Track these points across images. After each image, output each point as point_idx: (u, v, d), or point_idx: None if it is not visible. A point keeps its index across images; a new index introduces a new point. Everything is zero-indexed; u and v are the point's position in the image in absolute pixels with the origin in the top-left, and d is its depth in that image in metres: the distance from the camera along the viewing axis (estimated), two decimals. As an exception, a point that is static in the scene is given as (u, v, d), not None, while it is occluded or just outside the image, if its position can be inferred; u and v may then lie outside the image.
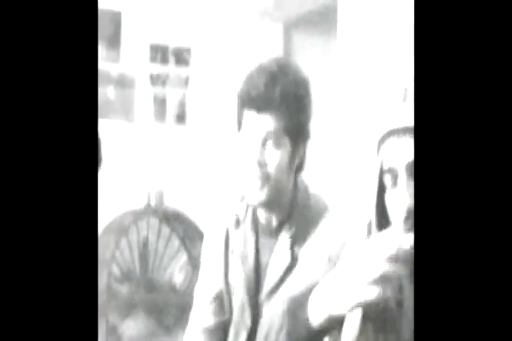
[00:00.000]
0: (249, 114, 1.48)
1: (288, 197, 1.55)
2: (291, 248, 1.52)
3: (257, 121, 1.47)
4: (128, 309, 3.33)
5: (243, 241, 1.60)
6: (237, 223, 1.62)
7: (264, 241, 1.59)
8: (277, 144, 1.48)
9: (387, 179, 1.05)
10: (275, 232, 1.56)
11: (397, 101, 1.07)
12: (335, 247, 1.47)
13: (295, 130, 1.50)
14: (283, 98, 1.45)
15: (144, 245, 3.38)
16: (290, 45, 3.68)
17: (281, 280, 1.52)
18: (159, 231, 3.41)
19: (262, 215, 1.57)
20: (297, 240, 1.53)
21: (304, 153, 1.55)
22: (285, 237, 1.54)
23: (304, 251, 1.52)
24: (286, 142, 1.49)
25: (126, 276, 3.34)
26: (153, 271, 3.42)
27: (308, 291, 1.06)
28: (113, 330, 3.23)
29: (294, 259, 1.52)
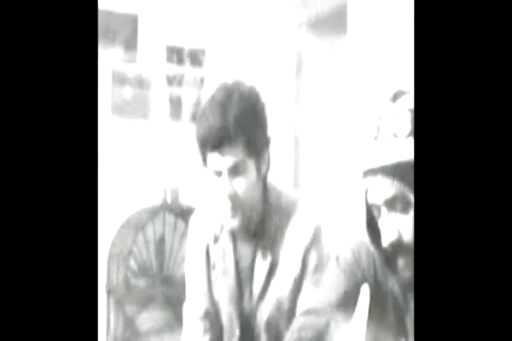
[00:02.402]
0: (212, 155, 1.49)
1: (259, 206, 1.56)
2: (271, 250, 1.54)
3: (220, 158, 1.48)
4: (145, 302, 3.39)
5: (222, 254, 1.62)
6: (216, 239, 1.64)
7: (242, 249, 1.60)
8: (243, 171, 1.49)
9: (375, 211, 1.12)
10: (253, 239, 1.57)
11: (368, 139, 1.12)
12: (308, 238, 1.51)
13: (257, 147, 1.50)
14: (237, 125, 1.46)
15: (160, 240, 3.45)
16: (303, 47, 3.73)
17: (267, 283, 1.54)
18: (175, 227, 3.47)
19: (238, 230, 1.58)
20: (274, 241, 1.54)
21: (269, 157, 1.55)
22: (262, 241, 1.55)
23: (282, 250, 1.54)
24: (251, 164, 1.50)
25: (143, 270, 3.41)
26: (169, 265, 3.49)
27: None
28: (130, 323, 3.29)
29: (274, 260, 1.53)
